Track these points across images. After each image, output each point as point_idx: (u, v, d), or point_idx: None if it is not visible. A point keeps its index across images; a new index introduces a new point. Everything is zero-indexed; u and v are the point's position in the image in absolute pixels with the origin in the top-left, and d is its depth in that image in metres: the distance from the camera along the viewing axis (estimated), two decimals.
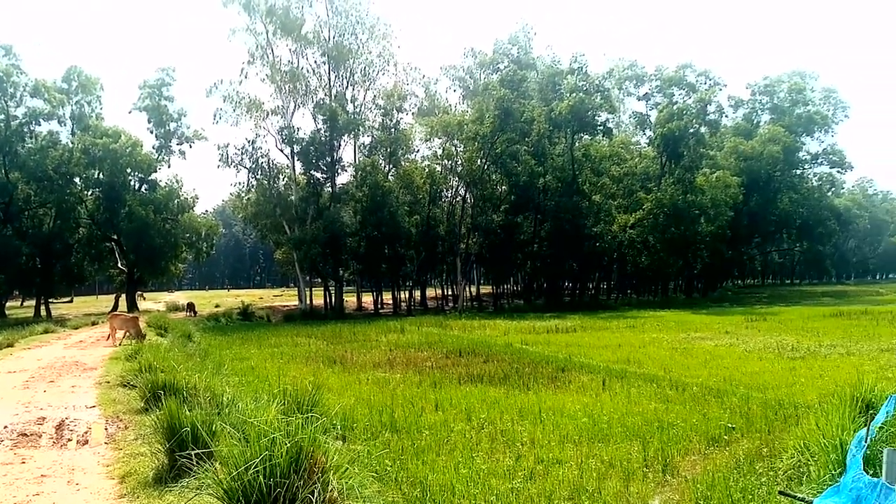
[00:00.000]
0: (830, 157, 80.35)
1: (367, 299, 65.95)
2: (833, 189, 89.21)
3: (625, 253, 62.93)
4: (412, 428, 10.64)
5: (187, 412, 7.33)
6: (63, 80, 53.31)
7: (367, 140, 61.48)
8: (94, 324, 38.05)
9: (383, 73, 60.79)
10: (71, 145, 51.98)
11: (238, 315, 49.76)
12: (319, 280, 60.58)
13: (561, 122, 59.49)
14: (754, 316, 38.83)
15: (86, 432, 9.59)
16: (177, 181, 57.01)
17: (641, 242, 60.73)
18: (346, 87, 59.63)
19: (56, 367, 17.40)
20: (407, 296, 64.46)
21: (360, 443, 9.24)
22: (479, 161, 58.15)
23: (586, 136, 62.80)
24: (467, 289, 66.83)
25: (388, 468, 8.10)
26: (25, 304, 66.14)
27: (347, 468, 5.55)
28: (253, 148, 56.43)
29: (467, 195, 61.81)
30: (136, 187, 55.22)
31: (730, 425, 10.52)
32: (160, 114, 54.60)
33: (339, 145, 58.48)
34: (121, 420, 10.43)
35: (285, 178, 58.31)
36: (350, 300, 64.79)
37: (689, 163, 61.26)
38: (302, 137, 56.60)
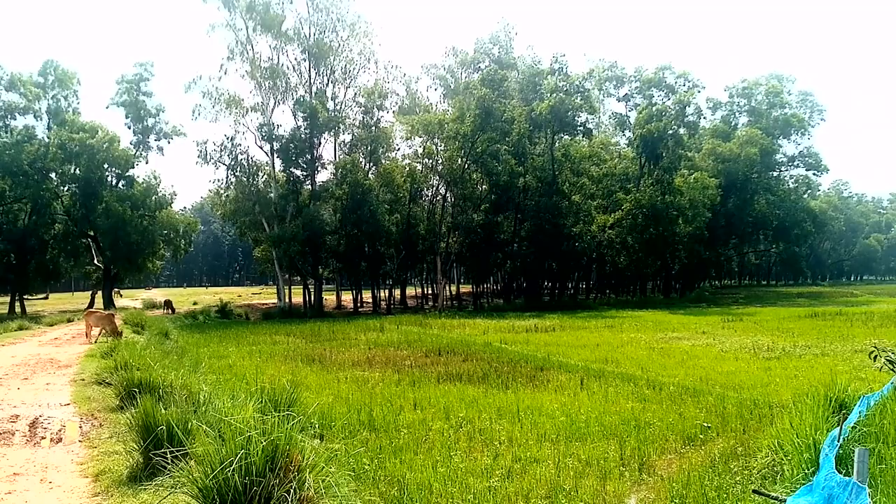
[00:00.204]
0: (806, 159, 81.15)
1: (347, 298, 65.73)
2: (809, 191, 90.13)
3: (604, 253, 63.29)
4: (390, 426, 10.65)
5: (163, 410, 7.28)
6: (40, 73, 52.50)
7: (347, 138, 61.38)
8: (69, 321, 37.56)
9: (364, 71, 60.83)
10: (47, 140, 51.20)
11: (216, 313, 49.45)
12: (299, 278, 60.31)
13: (541, 122, 59.75)
14: (731, 316, 39.20)
15: (60, 430, 9.48)
16: (155, 177, 56.37)
17: (620, 243, 61.12)
18: (327, 84, 59.46)
19: (30, 365, 17.19)
20: (387, 294, 64.38)
21: (338, 441, 9.21)
22: (459, 160, 58.17)
23: (566, 137, 63.11)
24: (447, 288, 66.86)
25: (366, 467, 8.10)
26: None
27: (324, 467, 5.53)
28: (232, 145, 56.11)
29: (448, 194, 61.84)
30: (114, 183, 54.52)
31: (706, 425, 10.62)
32: (138, 109, 54.01)
33: (320, 143, 58.36)
34: (95, 418, 10.32)
35: (265, 176, 57.91)
36: (329, 298, 64.56)
37: (667, 164, 61.68)
38: (282, 134, 56.39)
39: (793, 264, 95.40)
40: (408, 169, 61.24)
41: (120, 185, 54.68)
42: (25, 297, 54.46)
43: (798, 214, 79.34)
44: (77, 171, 51.76)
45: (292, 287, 61.35)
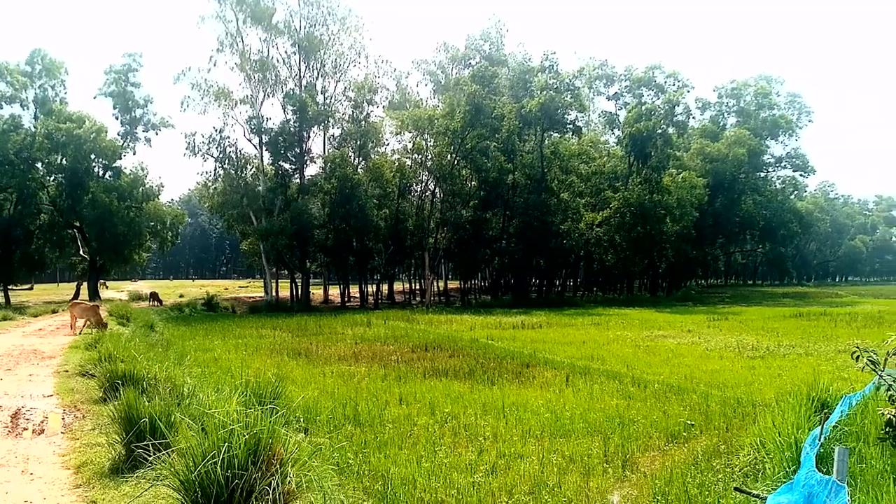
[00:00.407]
0: (794, 160, 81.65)
1: (334, 292, 65.60)
2: (795, 192, 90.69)
3: (591, 251, 63.42)
4: (375, 421, 10.65)
5: (146, 402, 7.26)
6: (27, 63, 51.99)
7: (336, 132, 61.33)
8: (54, 312, 37.29)
9: (354, 66, 60.60)
10: (34, 130, 50.74)
11: (202, 306, 49.26)
12: (286, 272, 60.15)
13: (531, 120, 59.76)
14: (716, 315, 39.44)
15: (42, 421, 9.42)
16: (142, 169, 55.85)
17: (608, 241, 61.27)
18: (317, 78, 59.31)
19: (14, 356, 17.06)
20: (374, 289, 64.30)
21: (323, 435, 9.19)
22: (449, 156, 58.15)
23: (556, 134, 63.18)
24: (435, 283, 66.83)
25: (351, 461, 8.09)
26: None
27: (307, 461, 5.52)
28: (220, 137, 55.79)
29: (437, 190, 61.81)
30: (100, 174, 54.08)
31: (689, 422, 10.68)
32: (126, 100, 53.50)
33: (309, 136, 58.22)
34: (78, 410, 10.26)
35: (253, 169, 57.65)
36: (317, 293, 64.42)
37: (656, 163, 61.86)
38: (271, 128, 56.12)
39: (779, 264, 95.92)
40: (397, 164, 61.16)
41: (107, 175, 54.24)
42: (10, 287, 54.00)
43: (784, 215, 79.80)
44: (64, 162, 51.36)
45: (279, 281, 61.18)
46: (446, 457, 8.53)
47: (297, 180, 58.30)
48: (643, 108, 62.98)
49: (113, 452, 7.19)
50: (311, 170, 60.13)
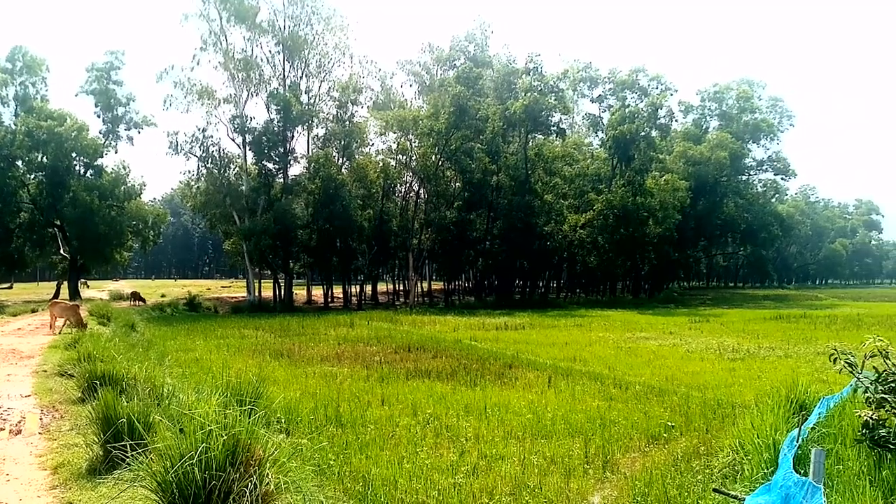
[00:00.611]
0: (775, 164, 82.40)
1: (318, 293, 65.33)
2: (777, 195, 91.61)
3: (574, 252, 63.71)
4: (357, 422, 10.63)
5: (124, 403, 7.19)
6: (7, 59, 51.43)
7: (320, 132, 61.14)
8: (33, 311, 36.85)
9: (339, 65, 60.35)
10: (14, 127, 50.18)
11: (184, 305, 48.86)
12: (269, 272, 59.87)
13: (515, 121, 59.91)
14: (698, 317, 39.69)
15: (20, 422, 9.32)
16: (124, 167, 55.43)
17: (591, 242, 61.59)
18: (301, 77, 59.09)
19: None
20: (358, 290, 64.15)
21: (304, 436, 9.15)
22: (433, 157, 58.12)
23: (540, 136, 63.40)
24: (419, 284, 66.79)
25: (332, 462, 8.07)
26: None
27: (285, 462, 5.49)
28: (204, 136, 55.41)
29: (421, 191, 61.78)
30: (81, 172, 53.56)
31: (670, 424, 10.74)
32: (108, 98, 53.01)
33: (293, 136, 58.01)
34: (56, 410, 10.17)
35: (236, 168, 57.37)
36: (300, 293, 64.13)
37: (639, 165, 62.24)
38: (254, 127, 55.90)
39: (760, 267, 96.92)
40: (381, 164, 61.04)
41: (88, 174, 53.73)
42: None
43: (766, 218, 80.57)
44: (44, 160, 50.79)
45: (262, 281, 60.89)
46: (428, 458, 8.53)
47: (281, 180, 58.11)
48: (627, 110, 63.36)
49: (90, 453, 7.12)
50: (295, 170, 60.08)
